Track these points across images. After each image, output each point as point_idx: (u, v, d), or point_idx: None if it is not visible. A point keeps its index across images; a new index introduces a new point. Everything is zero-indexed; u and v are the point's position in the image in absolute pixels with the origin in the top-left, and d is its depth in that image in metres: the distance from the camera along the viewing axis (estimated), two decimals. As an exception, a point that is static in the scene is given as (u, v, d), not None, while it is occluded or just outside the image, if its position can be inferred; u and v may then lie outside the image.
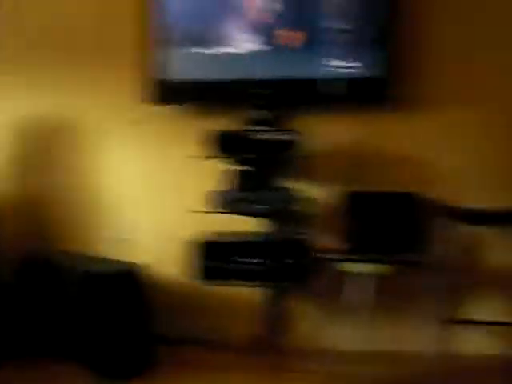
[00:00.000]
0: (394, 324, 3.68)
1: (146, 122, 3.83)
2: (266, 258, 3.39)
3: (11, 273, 3.65)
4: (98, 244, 3.89)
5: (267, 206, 3.39)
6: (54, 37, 3.93)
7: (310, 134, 3.53)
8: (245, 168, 3.51)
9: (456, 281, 3.51)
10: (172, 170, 3.84)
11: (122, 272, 3.39)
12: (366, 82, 3.52)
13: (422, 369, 3.41)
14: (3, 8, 4.00)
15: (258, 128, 3.48)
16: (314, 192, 3.60)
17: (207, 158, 3.44)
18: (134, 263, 3.48)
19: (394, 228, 3.52)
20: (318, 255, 3.38)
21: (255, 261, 3.39)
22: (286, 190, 3.57)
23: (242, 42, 3.63)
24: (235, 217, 3.57)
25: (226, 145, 3.42)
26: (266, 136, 3.44)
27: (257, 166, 3.51)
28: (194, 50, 3.66)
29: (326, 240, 3.52)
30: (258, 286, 3.60)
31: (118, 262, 3.58)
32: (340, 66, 3.52)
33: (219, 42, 3.64)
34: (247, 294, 3.71)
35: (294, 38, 3.58)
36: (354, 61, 3.51)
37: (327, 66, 3.50)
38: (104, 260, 3.64)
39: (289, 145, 3.41)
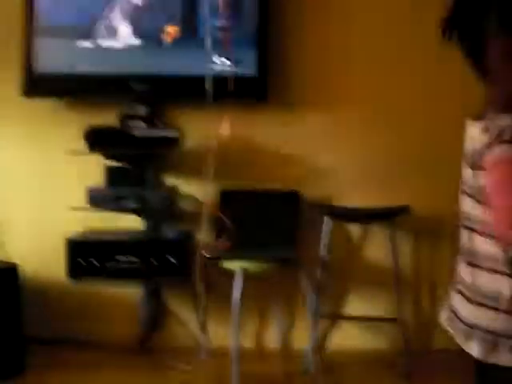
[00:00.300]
0: (270, 321, 3.70)
1: (26, 117, 3.71)
2: (144, 256, 3.35)
3: None
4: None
5: (142, 204, 3.35)
6: None
7: (189, 130, 3.51)
8: (121, 164, 3.46)
9: (331, 277, 3.56)
10: (54, 166, 3.73)
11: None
12: (244, 80, 3.52)
13: (298, 366, 3.46)
14: None
15: (135, 123, 3.43)
16: (193, 189, 3.58)
17: (84, 153, 3.36)
18: (10, 262, 3.38)
19: (272, 226, 3.54)
20: (198, 253, 3.36)
21: (132, 259, 3.35)
22: (164, 187, 3.54)
23: (121, 36, 3.57)
24: (119, 214, 3.52)
25: (100, 140, 3.36)
26: (142, 132, 3.40)
27: (133, 162, 3.46)
28: (74, 42, 3.56)
29: (205, 237, 3.50)
30: (135, 285, 3.56)
31: (-7, 260, 3.47)
32: (217, 63, 3.51)
33: (98, 34, 3.57)
34: (125, 292, 3.66)
35: (172, 33, 3.55)
36: (231, 59, 3.51)
37: (205, 62, 3.48)
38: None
39: (166, 141, 3.38)
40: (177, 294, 3.70)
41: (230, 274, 3.22)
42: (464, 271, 1.75)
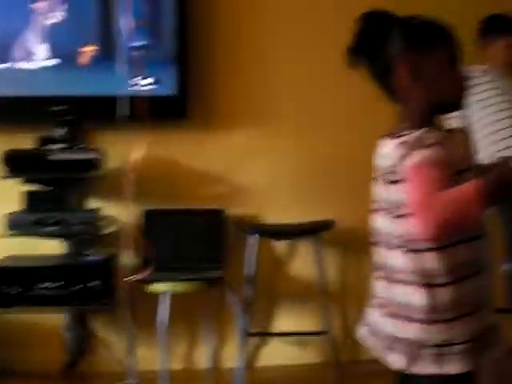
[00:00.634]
0: (199, 341, 3.67)
1: None
2: (66, 282, 3.27)
3: None
4: None
5: (64, 228, 3.28)
6: None
7: (109, 152, 3.46)
8: (40, 188, 3.38)
9: (259, 295, 3.56)
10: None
11: None
12: (164, 100, 3.50)
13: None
14: None
15: (54, 146, 3.36)
16: (116, 211, 3.52)
17: (4, 178, 3.28)
18: None
19: (198, 245, 3.52)
20: (122, 276, 3.31)
21: (54, 285, 3.27)
22: (86, 209, 3.48)
23: (38, 57, 3.50)
24: (41, 239, 3.43)
25: (19, 165, 3.28)
26: (61, 155, 3.33)
27: (53, 185, 3.39)
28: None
29: (129, 260, 3.45)
30: (59, 311, 3.47)
31: None
32: (137, 83, 3.47)
33: (14, 56, 3.49)
34: (50, 318, 3.57)
35: (89, 53, 3.50)
36: (150, 78, 3.48)
37: (123, 82, 3.45)
38: None
39: (86, 164, 3.32)
40: (102, 318, 3.62)
41: (156, 296, 3.17)
42: (379, 285, 1.77)
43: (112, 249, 3.46)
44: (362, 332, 1.83)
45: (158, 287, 3.23)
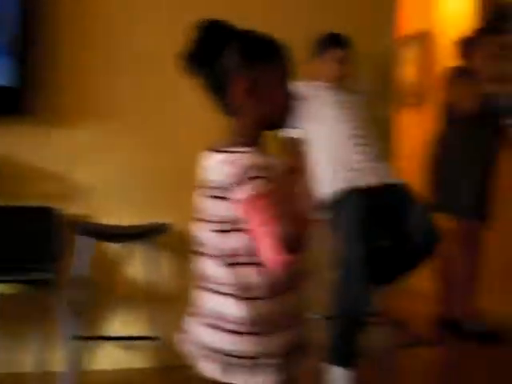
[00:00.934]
0: (26, 345, 3.54)
1: None
2: None
3: None
4: None
5: None
6: None
7: None
8: None
9: (90, 297, 3.48)
10: None
11: None
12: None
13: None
14: None
15: None
16: None
17: None
18: None
19: (26, 245, 3.38)
20: None
21: None
22: None
23: None
24: None
25: None
26: None
27: None
28: None
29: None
30: None
31: None
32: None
33: None
34: None
35: None
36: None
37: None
38: None
39: None
40: None
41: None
42: (200, 295, 1.78)
43: None
44: (180, 339, 1.83)
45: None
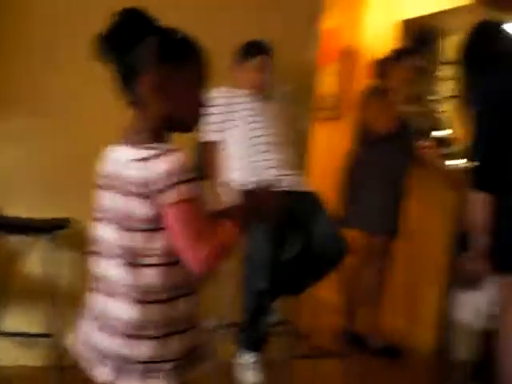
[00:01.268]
0: None
1: None
2: None
3: None
4: None
5: None
6: None
7: None
8: None
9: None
10: None
11: None
12: None
13: None
14: None
15: None
16: None
17: None
18: None
19: None
20: None
21: None
22: None
23: None
24: None
25: None
26: None
27: None
28: None
29: None
30: None
31: None
32: None
33: None
34: None
35: None
36: None
37: None
38: None
39: None
40: None
41: None
42: (94, 297, 1.72)
43: None
44: (74, 340, 1.77)
45: None
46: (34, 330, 3.49)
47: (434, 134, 5.31)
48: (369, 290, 4.33)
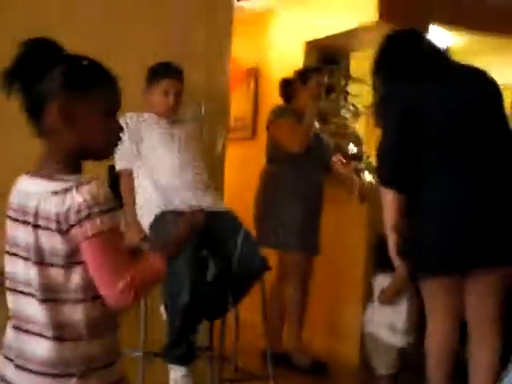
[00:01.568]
0: None
1: None
2: None
3: None
4: None
5: None
6: None
7: None
8: None
9: None
10: None
11: None
12: None
13: None
14: None
15: None
16: None
17: None
18: None
19: None
20: None
21: None
22: None
23: None
24: None
25: None
26: None
27: None
28: None
29: None
30: None
31: None
32: None
33: None
34: None
35: None
36: None
37: None
38: None
39: None
40: None
41: None
42: (11, 334, 1.65)
43: None
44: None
45: None
46: None
47: (347, 148, 5.40)
48: (290, 308, 4.32)
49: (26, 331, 1.59)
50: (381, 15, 4.91)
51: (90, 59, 1.66)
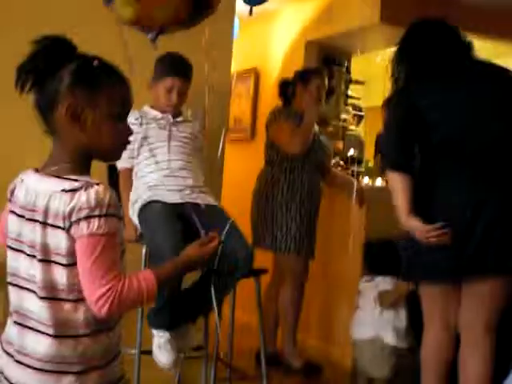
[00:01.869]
0: None
1: None
2: None
3: None
4: None
5: None
6: None
7: None
8: None
9: None
10: None
11: None
12: None
13: None
14: None
15: None
16: None
17: None
18: None
19: None
20: None
21: None
22: None
23: None
24: None
25: None
26: None
27: None
28: None
29: None
30: None
31: None
32: None
33: None
34: None
35: None
36: None
37: None
38: None
39: None
40: None
41: None
42: (12, 330, 1.66)
43: None
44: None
45: None
46: None
47: (346, 152, 5.40)
48: (285, 310, 4.32)
49: (27, 327, 1.60)
50: (382, 17, 4.90)
51: (101, 60, 1.66)
